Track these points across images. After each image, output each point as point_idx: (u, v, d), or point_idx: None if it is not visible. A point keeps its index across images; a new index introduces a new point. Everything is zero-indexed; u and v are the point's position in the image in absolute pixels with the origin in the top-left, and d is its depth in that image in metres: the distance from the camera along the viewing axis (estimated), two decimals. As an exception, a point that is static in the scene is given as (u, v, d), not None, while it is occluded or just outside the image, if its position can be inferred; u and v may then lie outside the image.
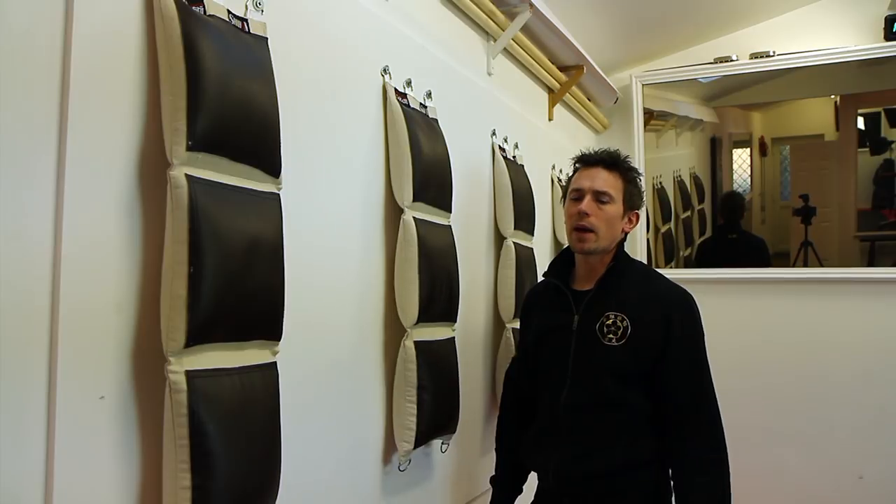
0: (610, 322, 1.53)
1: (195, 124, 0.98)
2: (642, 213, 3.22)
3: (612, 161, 1.61)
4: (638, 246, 3.33)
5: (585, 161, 1.64)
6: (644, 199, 1.67)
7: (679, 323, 1.52)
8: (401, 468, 1.61)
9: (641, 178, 1.67)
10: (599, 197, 1.57)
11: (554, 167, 2.70)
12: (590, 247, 1.56)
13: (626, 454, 1.51)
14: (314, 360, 1.36)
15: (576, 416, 1.54)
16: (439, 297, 1.62)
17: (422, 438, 1.58)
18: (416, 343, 1.55)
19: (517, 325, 2.01)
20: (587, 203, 1.56)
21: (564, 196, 1.69)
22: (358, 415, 1.50)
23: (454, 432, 1.74)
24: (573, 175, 1.67)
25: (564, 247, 1.70)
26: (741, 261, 3.23)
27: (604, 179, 1.58)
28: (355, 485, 1.50)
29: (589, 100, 3.16)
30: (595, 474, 1.52)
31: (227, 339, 1.04)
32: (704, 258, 3.35)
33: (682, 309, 1.55)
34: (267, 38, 1.16)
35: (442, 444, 1.76)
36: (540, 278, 1.86)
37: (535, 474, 1.66)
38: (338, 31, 1.45)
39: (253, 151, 1.10)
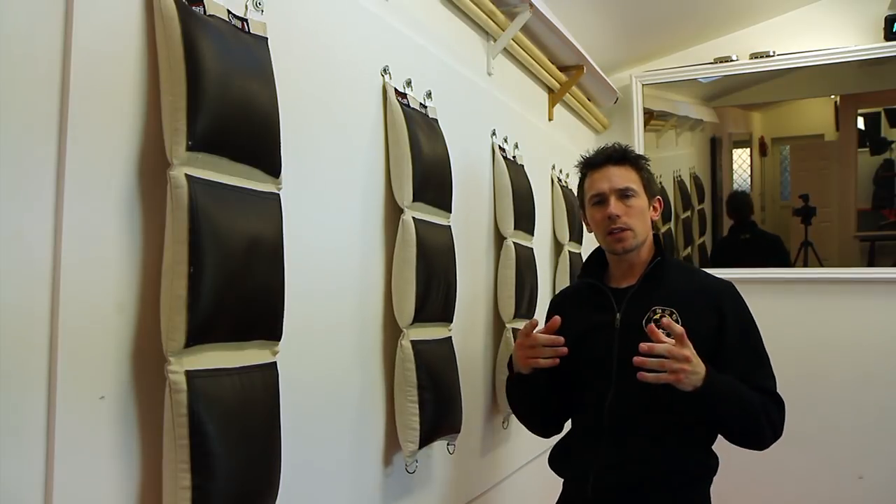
0: (658, 316, 1.45)
1: (195, 124, 0.98)
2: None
3: (620, 155, 1.57)
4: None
5: (593, 164, 1.59)
6: (658, 184, 1.66)
7: (733, 313, 1.49)
8: (408, 469, 1.61)
9: (649, 162, 1.63)
10: (623, 194, 1.52)
11: (554, 167, 2.70)
12: (630, 244, 1.51)
13: (676, 465, 1.44)
14: (314, 360, 1.36)
15: (622, 420, 1.45)
16: (436, 298, 1.62)
17: (426, 438, 1.57)
18: (413, 343, 1.55)
19: (518, 325, 2.00)
20: (614, 205, 1.51)
21: (582, 206, 1.64)
22: (358, 415, 1.50)
23: (458, 432, 1.73)
24: (583, 182, 1.62)
25: (596, 247, 1.66)
26: (757, 261, 3.19)
27: (620, 176, 1.54)
28: (356, 485, 1.50)
29: (589, 100, 3.16)
30: (639, 485, 1.43)
31: (227, 339, 1.04)
32: (719, 259, 3.29)
33: (733, 298, 1.52)
34: (267, 38, 1.16)
35: (448, 444, 1.76)
36: (542, 278, 1.83)
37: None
38: (338, 31, 1.45)
39: (253, 151, 1.10)
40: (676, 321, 1.43)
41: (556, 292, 1.83)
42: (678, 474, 1.46)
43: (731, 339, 1.47)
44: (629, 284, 1.55)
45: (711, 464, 1.52)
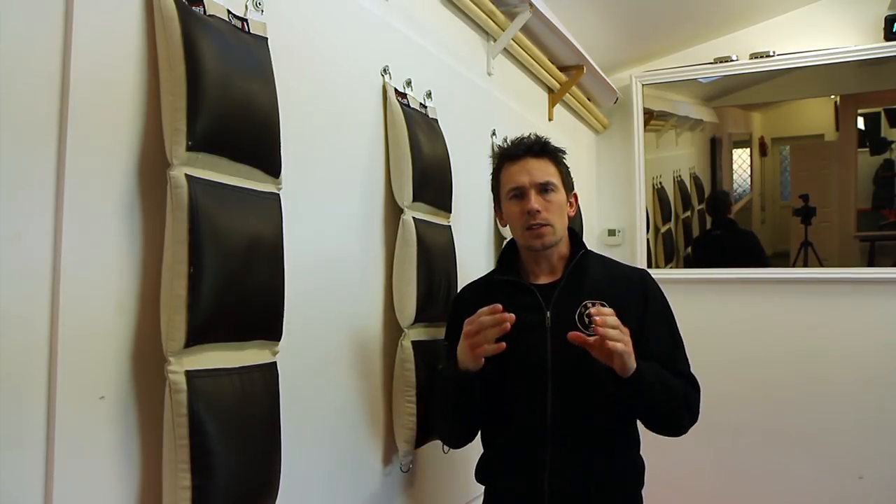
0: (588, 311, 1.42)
1: (195, 124, 0.98)
2: (639, 208, 3.24)
3: (539, 148, 1.50)
4: (638, 246, 3.34)
5: (511, 155, 1.51)
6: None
7: (654, 298, 1.48)
8: (403, 469, 1.61)
9: (566, 155, 1.55)
10: (543, 188, 1.46)
11: (554, 167, 2.70)
12: (549, 241, 1.46)
13: (624, 465, 1.45)
14: (314, 360, 1.36)
15: (566, 421, 1.40)
16: (437, 298, 1.62)
17: (422, 439, 1.58)
18: (414, 343, 1.55)
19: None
20: (534, 199, 1.45)
21: (497, 199, 1.56)
22: (358, 415, 1.50)
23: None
24: (498, 174, 1.54)
25: (507, 241, 1.60)
26: (727, 256, 3.24)
27: (540, 169, 1.47)
28: (355, 485, 1.50)
29: (589, 100, 3.16)
30: (596, 486, 1.40)
31: (227, 339, 1.04)
32: (694, 258, 3.36)
33: (653, 286, 1.50)
34: (267, 38, 1.16)
35: (444, 444, 1.76)
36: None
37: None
38: (338, 31, 1.45)
39: (253, 151, 1.10)
40: None
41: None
42: (627, 473, 1.46)
43: (653, 324, 1.45)
44: (552, 280, 1.49)
45: (642, 462, 1.52)
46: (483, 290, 1.56)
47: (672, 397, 1.40)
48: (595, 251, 1.57)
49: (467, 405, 1.44)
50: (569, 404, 1.40)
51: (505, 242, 1.61)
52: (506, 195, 1.51)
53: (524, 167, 1.48)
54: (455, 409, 1.46)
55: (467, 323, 1.35)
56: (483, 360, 1.36)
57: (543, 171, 1.48)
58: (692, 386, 1.47)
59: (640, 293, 1.48)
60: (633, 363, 1.30)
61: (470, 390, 1.41)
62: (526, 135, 1.53)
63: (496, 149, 1.54)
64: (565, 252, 1.51)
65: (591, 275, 1.48)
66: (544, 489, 1.40)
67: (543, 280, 1.50)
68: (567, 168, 1.54)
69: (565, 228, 1.51)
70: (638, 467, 1.50)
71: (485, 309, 1.32)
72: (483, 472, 1.54)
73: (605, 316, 1.28)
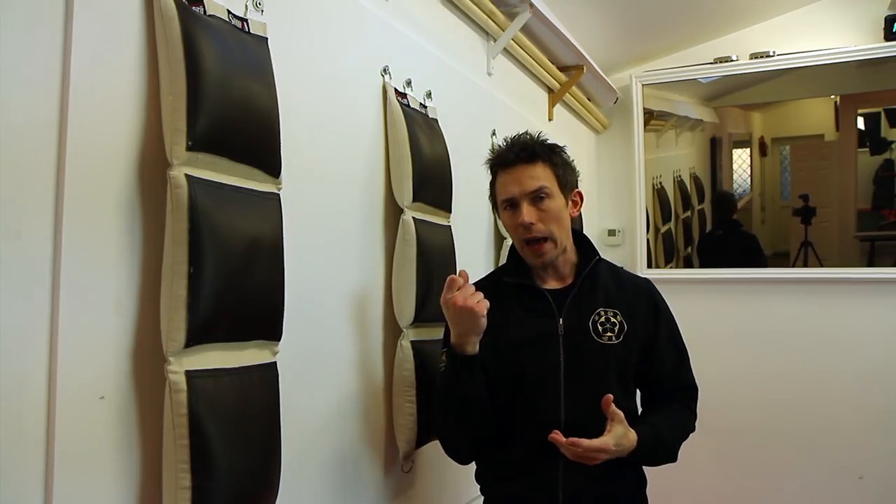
0: (603, 319, 1.41)
1: (195, 124, 0.98)
2: (639, 208, 3.24)
3: (529, 153, 1.41)
4: (638, 246, 3.34)
5: (502, 163, 1.44)
6: (577, 171, 1.50)
7: (663, 310, 1.49)
8: (404, 469, 1.61)
9: (565, 149, 1.48)
10: (536, 196, 1.39)
11: (554, 167, 2.70)
12: (550, 257, 1.42)
13: (636, 469, 1.45)
14: (314, 360, 1.36)
15: (580, 430, 1.31)
16: (436, 298, 1.60)
17: (422, 439, 1.58)
18: (413, 343, 1.55)
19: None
20: (527, 211, 1.38)
21: (495, 206, 1.51)
22: (358, 415, 1.50)
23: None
24: (493, 184, 1.48)
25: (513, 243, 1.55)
26: (728, 257, 3.25)
27: (530, 176, 1.40)
28: (355, 485, 1.50)
29: (589, 100, 3.16)
30: (614, 493, 1.39)
31: (226, 339, 1.04)
32: (697, 259, 3.37)
33: (660, 296, 1.52)
34: (267, 38, 1.16)
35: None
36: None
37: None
38: (338, 31, 1.45)
39: (253, 151, 1.10)
40: (621, 322, 1.42)
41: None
42: (636, 477, 1.47)
43: (663, 335, 1.47)
44: (563, 285, 1.46)
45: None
46: (490, 292, 1.48)
47: (675, 450, 1.45)
48: (602, 257, 1.54)
49: (476, 397, 1.36)
50: (582, 412, 1.37)
51: (511, 243, 1.58)
52: (500, 205, 1.46)
53: (514, 176, 1.41)
54: (464, 402, 1.37)
55: (453, 286, 1.32)
56: (483, 326, 1.32)
57: (534, 177, 1.40)
58: (692, 398, 1.51)
59: (650, 302, 1.49)
60: (626, 448, 1.31)
61: (476, 377, 1.35)
62: (519, 133, 1.48)
63: (492, 153, 1.50)
64: (574, 258, 1.48)
65: (602, 282, 1.46)
66: (559, 496, 1.37)
67: (553, 285, 1.47)
68: (566, 166, 1.46)
69: (567, 236, 1.45)
70: (643, 469, 1.50)
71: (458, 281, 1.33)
72: (488, 479, 1.50)
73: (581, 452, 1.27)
